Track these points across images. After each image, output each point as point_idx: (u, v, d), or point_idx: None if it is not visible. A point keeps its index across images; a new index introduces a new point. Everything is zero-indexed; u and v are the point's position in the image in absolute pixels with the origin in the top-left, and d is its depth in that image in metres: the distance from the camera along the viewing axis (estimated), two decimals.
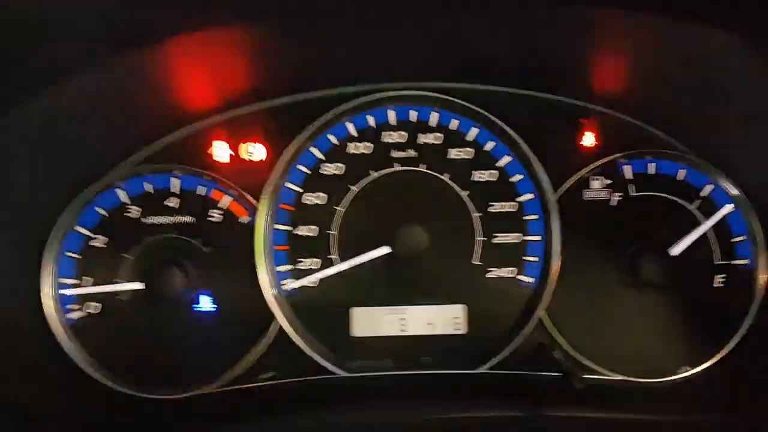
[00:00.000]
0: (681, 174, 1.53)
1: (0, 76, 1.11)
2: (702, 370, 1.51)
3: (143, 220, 1.50)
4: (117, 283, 1.49)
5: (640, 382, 1.51)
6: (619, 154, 1.53)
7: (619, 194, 1.54)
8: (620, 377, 1.51)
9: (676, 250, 1.50)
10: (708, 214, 1.52)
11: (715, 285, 1.52)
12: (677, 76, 1.38)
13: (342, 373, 1.50)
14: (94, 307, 1.50)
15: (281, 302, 1.52)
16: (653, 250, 1.51)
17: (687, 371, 1.51)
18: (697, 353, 1.52)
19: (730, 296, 1.51)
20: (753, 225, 1.51)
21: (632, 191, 1.54)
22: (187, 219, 1.51)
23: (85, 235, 1.49)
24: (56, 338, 1.47)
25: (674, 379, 1.51)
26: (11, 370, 1.40)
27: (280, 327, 1.50)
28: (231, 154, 1.52)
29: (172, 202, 1.51)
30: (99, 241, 1.50)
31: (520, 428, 1.33)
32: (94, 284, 1.49)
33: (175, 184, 1.51)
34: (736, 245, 1.53)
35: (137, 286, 1.48)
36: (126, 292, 1.49)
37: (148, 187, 1.51)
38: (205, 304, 1.52)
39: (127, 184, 1.51)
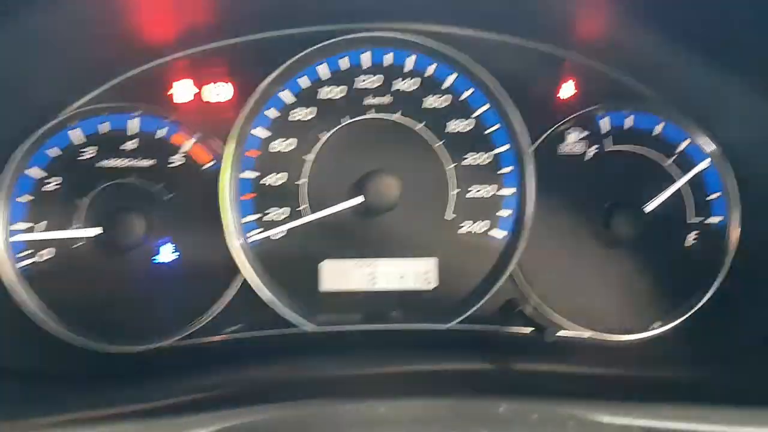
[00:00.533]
0: (658, 129, 1.51)
1: None
2: (673, 326, 1.51)
3: (99, 162, 1.42)
4: (72, 229, 1.41)
5: (610, 338, 1.50)
6: (596, 106, 1.50)
7: (595, 147, 1.51)
8: (590, 333, 1.50)
9: (651, 205, 1.49)
10: (683, 170, 1.50)
11: (688, 242, 1.52)
12: (657, 26, 1.34)
13: (309, 327, 1.46)
14: (47, 255, 1.42)
15: (247, 253, 1.46)
16: (627, 206, 1.49)
17: (658, 328, 1.51)
18: (669, 310, 1.52)
19: (703, 253, 1.51)
20: (728, 182, 1.50)
21: (608, 145, 1.51)
22: (147, 163, 1.43)
23: (37, 177, 1.41)
24: (7, 287, 1.40)
25: (644, 337, 1.51)
26: None
27: (246, 279, 1.45)
28: (194, 95, 1.45)
29: (130, 145, 1.43)
30: (52, 185, 1.42)
31: (491, 383, 1.31)
32: (48, 230, 1.41)
33: (133, 125, 1.43)
34: (711, 202, 1.52)
35: (93, 232, 1.41)
36: (82, 239, 1.42)
37: (105, 128, 1.42)
38: (167, 254, 1.45)
39: (82, 123, 1.42)
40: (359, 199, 1.44)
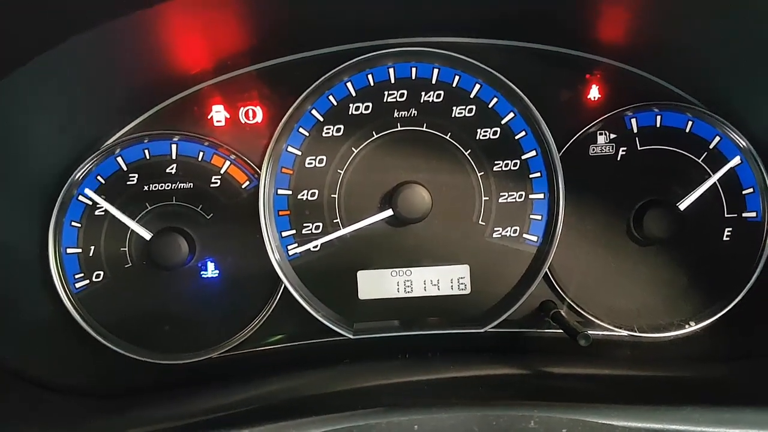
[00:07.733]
0: (688, 126, 1.50)
1: None
2: (707, 324, 1.51)
3: (144, 187, 1.49)
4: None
5: (645, 337, 1.51)
6: (625, 107, 1.50)
7: (625, 148, 1.51)
8: (626, 333, 1.52)
9: (685, 203, 1.48)
10: (716, 167, 1.49)
11: (722, 238, 1.51)
12: (683, 25, 1.33)
13: (348, 335, 1.51)
14: (99, 276, 1.50)
15: (287, 267, 1.52)
16: (660, 205, 1.49)
17: (692, 326, 1.51)
18: (703, 308, 1.52)
19: (738, 249, 1.50)
20: (762, 176, 1.49)
21: (638, 145, 1.51)
22: (188, 186, 1.50)
23: (86, 204, 1.49)
24: (64, 307, 1.48)
25: (679, 335, 1.51)
26: (22, 342, 1.43)
27: (287, 291, 1.50)
28: (228, 118, 1.50)
29: (172, 169, 1.49)
30: (100, 210, 1.49)
31: (525, 387, 1.34)
32: (98, 253, 1.49)
33: (173, 151, 1.49)
34: (745, 198, 1.51)
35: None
36: (130, 260, 1.50)
37: (147, 154, 1.49)
38: (210, 270, 1.52)
39: (125, 151, 1.49)
40: (388, 212, 1.48)
